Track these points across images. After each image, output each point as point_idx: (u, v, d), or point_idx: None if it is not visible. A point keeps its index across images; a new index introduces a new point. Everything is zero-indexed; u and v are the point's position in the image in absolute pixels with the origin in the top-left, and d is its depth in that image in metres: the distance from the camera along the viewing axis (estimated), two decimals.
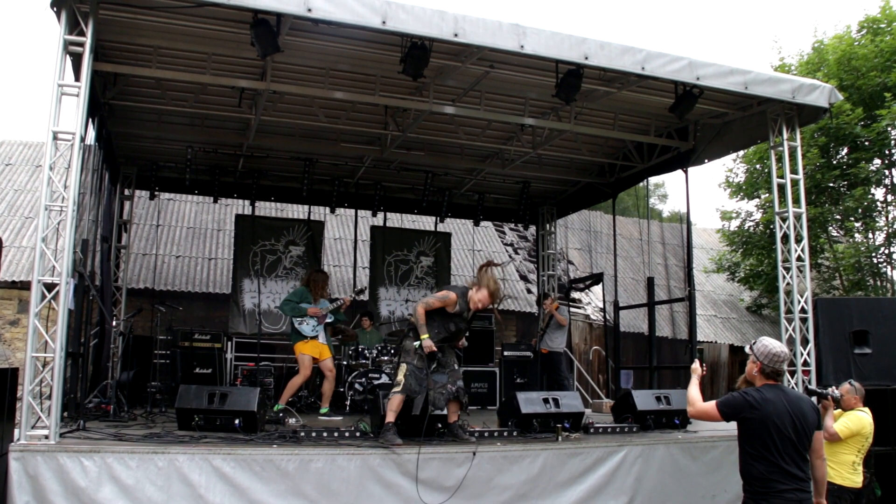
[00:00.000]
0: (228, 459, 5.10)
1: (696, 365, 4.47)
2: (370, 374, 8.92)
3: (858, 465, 5.65)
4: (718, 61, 6.85)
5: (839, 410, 5.70)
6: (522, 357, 10.93)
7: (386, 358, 9.08)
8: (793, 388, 5.54)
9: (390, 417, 5.62)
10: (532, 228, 13.77)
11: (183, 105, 8.22)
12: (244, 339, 10.34)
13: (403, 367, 5.71)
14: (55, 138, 5.29)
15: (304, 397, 8.81)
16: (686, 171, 9.50)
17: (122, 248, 10.25)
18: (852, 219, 15.34)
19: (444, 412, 6.02)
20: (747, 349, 4.11)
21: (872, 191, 14.86)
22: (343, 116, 8.74)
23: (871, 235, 15.74)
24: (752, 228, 16.63)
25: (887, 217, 15.24)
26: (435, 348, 5.66)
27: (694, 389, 4.30)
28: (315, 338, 7.70)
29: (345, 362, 9.28)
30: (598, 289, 14.77)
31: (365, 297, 10.13)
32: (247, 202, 11.09)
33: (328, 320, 7.91)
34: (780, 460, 3.78)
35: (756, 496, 3.86)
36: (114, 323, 8.16)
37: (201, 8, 5.75)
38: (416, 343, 5.68)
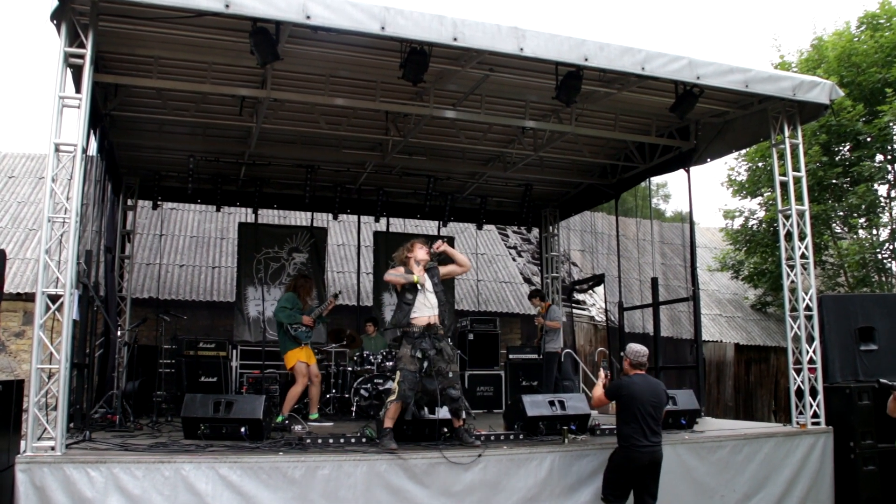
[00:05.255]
0: (235, 468, 5.10)
1: (601, 373, 6.09)
2: (375, 380, 8.91)
3: None
4: (718, 60, 6.85)
5: None
6: (528, 360, 10.91)
7: (391, 363, 9.06)
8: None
9: (387, 424, 5.71)
10: (535, 231, 13.75)
11: (184, 114, 8.25)
12: (249, 347, 10.34)
13: (398, 374, 5.78)
14: (57, 150, 5.30)
15: (307, 405, 8.77)
16: (688, 171, 9.49)
17: (125, 258, 10.28)
18: (856, 215, 15.28)
19: (440, 416, 6.06)
20: (622, 354, 5.66)
21: (875, 187, 14.81)
22: (344, 123, 8.75)
23: (874, 231, 15.66)
24: (755, 226, 16.56)
25: (891, 213, 15.18)
26: (421, 276, 5.86)
27: (597, 388, 5.80)
28: (307, 344, 7.76)
29: (350, 368, 9.28)
30: (601, 289, 14.73)
31: (342, 299, 10.18)
32: (249, 210, 11.11)
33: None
34: (640, 425, 5.34)
35: (624, 449, 5.46)
36: (118, 333, 8.15)
37: (200, 18, 5.76)
38: (413, 279, 5.80)
